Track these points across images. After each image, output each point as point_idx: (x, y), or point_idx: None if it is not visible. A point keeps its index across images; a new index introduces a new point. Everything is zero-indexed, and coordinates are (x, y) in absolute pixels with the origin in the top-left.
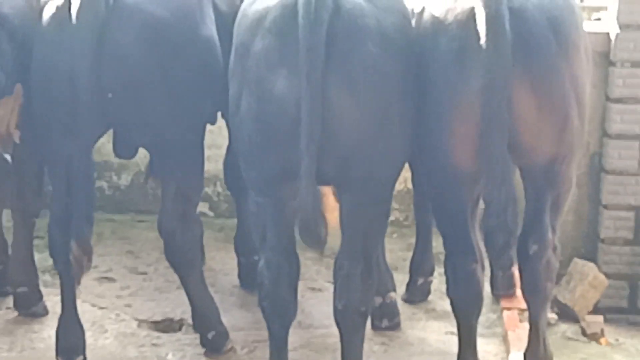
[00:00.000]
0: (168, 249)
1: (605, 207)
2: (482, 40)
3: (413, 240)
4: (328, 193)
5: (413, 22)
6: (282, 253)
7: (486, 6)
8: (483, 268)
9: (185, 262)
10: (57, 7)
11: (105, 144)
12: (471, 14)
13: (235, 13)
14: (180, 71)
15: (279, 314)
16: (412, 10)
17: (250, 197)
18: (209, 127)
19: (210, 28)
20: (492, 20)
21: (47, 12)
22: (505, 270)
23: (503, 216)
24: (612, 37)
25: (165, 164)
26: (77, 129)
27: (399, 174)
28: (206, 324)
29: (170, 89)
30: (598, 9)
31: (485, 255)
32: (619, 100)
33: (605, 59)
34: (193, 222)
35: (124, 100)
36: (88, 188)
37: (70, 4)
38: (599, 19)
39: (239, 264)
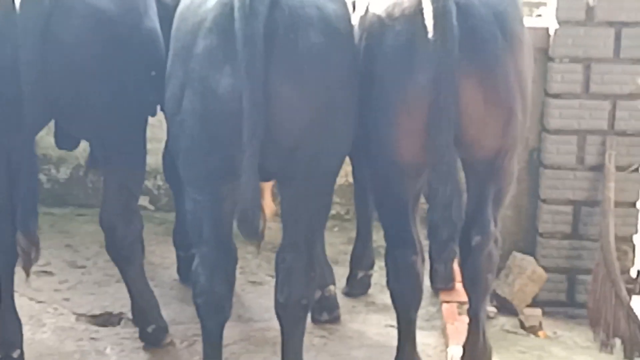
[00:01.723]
0: (109, 242)
1: (544, 201)
2: (430, 35)
3: (354, 234)
4: (265, 187)
5: (358, 15)
6: (219, 249)
7: (433, 1)
8: (423, 261)
9: (126, 255)
10: None
11: (43, 136)
12: (418, 9)
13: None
14: (123, 63)
15: (215, 311)
16: (355, 3)
17: (187, 194)
18: (150, 120)
19: (154, 20)
20: (440, 15)
21: None
22: (446, 263)
23: (448, 210)
24: (551, 32)
25: (108, 156)
26: (20, 121)
27: (341, 166)
28: (146, 318)
29: (113, 80)
30: (538, 5)
31: (425, 248)
32: (557, 96)
33: (544, 55)
34: (134, 216)
35: (67, 92)
36: (33, 180)
37: None
38: (539, 15)
39: (178, 258)
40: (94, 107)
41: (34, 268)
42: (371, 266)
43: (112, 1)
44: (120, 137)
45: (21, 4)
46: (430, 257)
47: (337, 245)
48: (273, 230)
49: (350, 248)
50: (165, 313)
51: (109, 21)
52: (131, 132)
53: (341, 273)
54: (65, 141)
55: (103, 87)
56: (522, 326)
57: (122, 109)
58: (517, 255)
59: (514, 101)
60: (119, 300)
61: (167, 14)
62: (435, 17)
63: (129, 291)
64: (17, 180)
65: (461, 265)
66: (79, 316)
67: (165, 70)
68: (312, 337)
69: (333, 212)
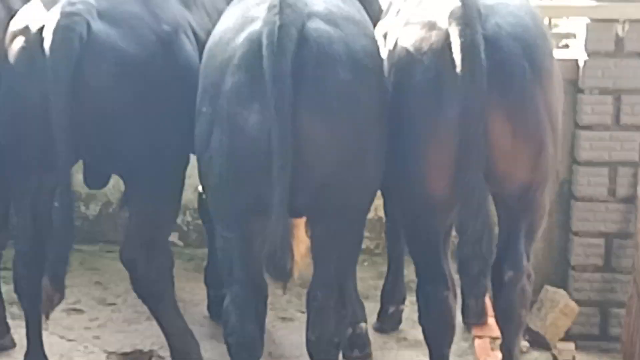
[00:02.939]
0: (132, 278)
1: (576, 234)
2: (458, 69)
3: (384, 268)
4: (299, 224)
5: (387, 50)
6: (250, 288)
7: (461, 35)
8: (455, 296)
9: (151, 293)
10: (28, 41)
11: (72, 174)
12: (446, 43)
13: None
14: (153, 105)
15: (246, 350)
16: (385, 37)
17: (218, 232)
18: None
19: (188, 60)
20: (468, 48)
21: (16, 45)
22: (478, 298)
23: (478, 245)
24: (581, 64)
25: (136, 193)
26: (47, 164)
27: (371, 202)
28: (185, 358)
29: (143, 122)
30: (567, 36)
31: (457, 282)
32: (587, 128)
33: (574, 87)
34: (159, 252)
35: (97, 134)
36: (68, 226)
37: (42, 38)
38: (567, 46)
39: (209, 296)
40: (124, 148)
41: (63, 306)
42: (402, 301)
43: (142, 44)
44: (149, 176)
45: (51, 49)
46: (462, 292)
47: (367, 279)
48: (303, 265)
49: (380, 282)
50: None
51: (139, 65)
52: (161, 171)
53: (372, 308)
54: (95, 180)
55: (133, 129)
56: None
57: (152, 149)
58: (549, 288)
59: (544, 134)
60: (149, 337)
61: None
62: (463, 51)
63: (163, 331)
64: (45, 224)
65: (494, 301)
66: (109, 354)
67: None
68: None
69: (363, 246)
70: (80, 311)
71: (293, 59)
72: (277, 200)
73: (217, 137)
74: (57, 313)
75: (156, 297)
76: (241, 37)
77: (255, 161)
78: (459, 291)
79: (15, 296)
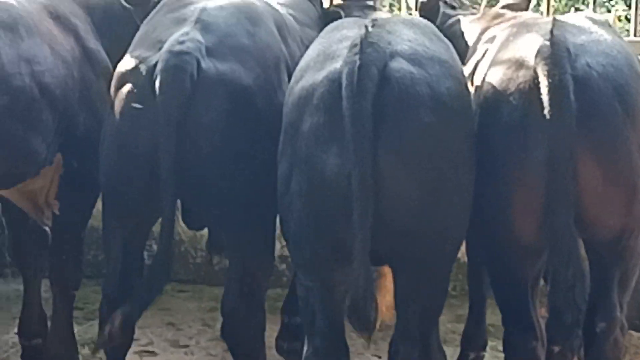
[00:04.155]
0: (227, 330)
1: None
2: (546, 110)
3: (462, 311)
4: (386, 273)
5: (473, 91)
6: (332, 340)
7: (549, 75)
8: (543, 346)
9: (246, 351)
10: (138, 83)
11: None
12: (534, 83)
13: None
14: (260, 143)
15: None
16: (472, 78)
17: (299, 280)
18: None
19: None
20: (556, 89)
21: (126, 87)
22: (573, 350)
23: (570, 293)
24: None
25: (236, 241)
26: (153, 206)
27: (458, 250)
28: None
29: (250, 160)
30: None
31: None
32: None
33: None
34: (259, 308)
35: (200, 175)
36: (165, 270)
37: (152, 79)
38: None
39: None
40: (227, 189)
41: (135, 348)
42: (484, 347)
43: (251, 76)
44: (253, 222)
45: (161, 90)
46: (549, 341)
47: (445, 323)
48: (389, 316)
49: (458, 326)
50: None
51: (248, 100)
52: (265, 216)
53: (450, 353)
54: (194, 220)
55: (238, 168)
56: None
57: (257, 192)
58: (634, 334)
59: (637, 178)
60: None
61: None
62: (551, 91)
63: None
64: (136, 270)
65: (585, 353)
66: None
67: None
68: None
69: None
70: (152, 353)
71: (374, 100)
72: (358, 248)
73: (296, 181)
74: (129, 355)
75: (248, 354)
76: (321, 76)
77: (335, 206)
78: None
79: (87, 337)
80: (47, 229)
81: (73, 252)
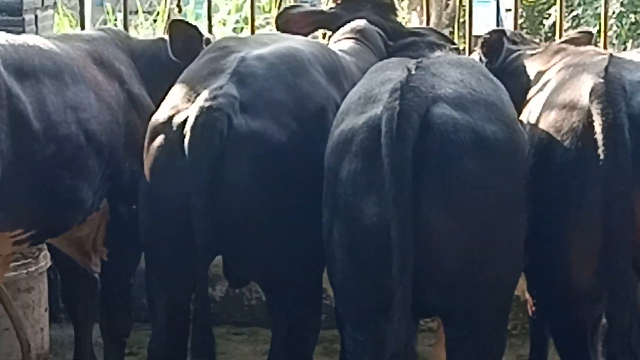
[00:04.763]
0: None
1: None
2: (600, 150)
3: (522, 351)
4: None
5: (526, 132)
6: None
7: (603, 114)
8: None
9: None
10: (168, 139)
11: None
12: (588, 123)
13: None
14: (296, 200)
15: None
16: (527, 120)
17: (347, 333)
18: None
19: None
20: (610, 128)
21: (157, 141)
22: None
23: (627, 338)
24: None
25: (279, 299)
26: (191, 263)
27: (511, 297)
28: None
29: (286, 219)
30: None
31: None
32: None
33: None
34: None
35: (237, 234)
36: (206, 327)
37: (183, 134)
38: None
39: None
40: (263, 248)
41: None
42: None
43: (286, 132)
44: (295, 279)
45: (190, 147)
46: None
47: None
48: None
49: None
50: None
51: (280, 157)
52: (308, 273)
53: None
54: (234, 280)
55: (272, 226)
56: None
57: (298, 248)
58: None
59: None
60: None
61: None
62: (605, 130)
63: None
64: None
65: None
66: None
67: None
68: None
69: None
70: None
71: (414, 147)
72: (398, 300)
73: (337, 230)
74: None
75: None
76: (360, 121)
77: (376, 257)
78: None
79: None
80: (96, 275)
81: (122, 299)
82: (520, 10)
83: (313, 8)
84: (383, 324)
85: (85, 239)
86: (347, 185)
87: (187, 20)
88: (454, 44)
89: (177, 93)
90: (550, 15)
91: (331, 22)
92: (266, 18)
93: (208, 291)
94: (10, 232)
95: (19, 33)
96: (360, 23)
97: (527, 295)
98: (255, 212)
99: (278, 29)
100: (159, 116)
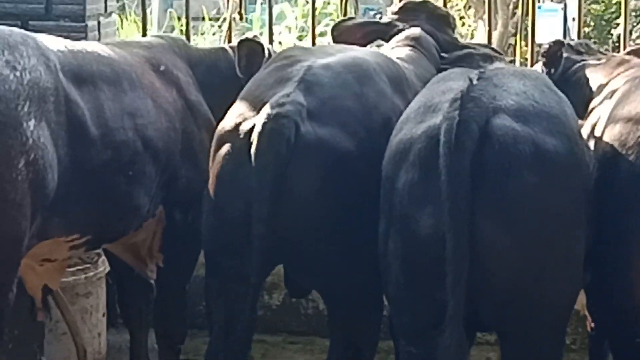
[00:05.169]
0: None
1: None
2: None
3: None
4: None
5: (592, 146)
6: None
7: None
8: None
9: None
10: (234, 146)
11: None
12: None
13: None
14: (364, 206)
15: None
16: (590, 133)
17: (401, 345)
18: None
19: None
20: None
21: (224, 149)
22: None
23: None
24: None
25: (339, 310)
26: (246, 273)
27: (569, 314)
28: None
29: (350, 228)
30: None
31: None
32: None
33: None
34: None
35: (300, 243)
36: (246, 340)
37: (249, 142)
38: None
39: None
40: (326, 258)
41: None
42: None
43: (354, 140)
44: (355, 291)
45: (256, 154)
46: None
47: None
48: None
49: None
50: None
51: (348, 166)
52: (368, 287)
53: None
54: (295, 290)
55: (337, 236)
56: None
57: (360, 261)
58: None
59: None
60: None
61: None
62: None
63: None
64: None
65: None
66: None
67: None
68: None
69: None
70: None
71: (472, 158)
72: (451, 313)
73: (393, 240)
74: None
75: None
76: (419, 130)
77: (430, 269)
78: None
79: None
80: (152, 282)
81: (177, 305)
82: (588, 19)
83: (367, 19)
84: (436, 337)
85: (141, 245)
86: (403, 195)
87: (252, 32)
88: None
89: (243, 101)
90: (618, 24)
91: (386, 32)
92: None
93: (259, 300)
94: (67, 237)
95: (81, 39)
96: (415, 31)
97: (587, 311)
98: (319, 221)
99: (334, 40)
100: (226, 124)
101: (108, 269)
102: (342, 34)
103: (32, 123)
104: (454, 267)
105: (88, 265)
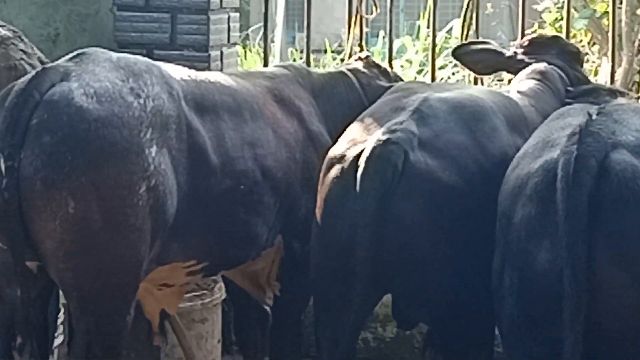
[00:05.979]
0: None
1: None
2: None
3: None
4: None
5: None
6: None
7: None
8: None
9: None
10: (342, 170)
11: None
12: None
13: None
14: (470, 244)
15: None
16: None
17: None
18: None
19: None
20: None
21: (333, 172)
22: None
23: None
24: None
25: (449, 344)
26: (350, 300)
27: None
28: None
29: (454, 260)
30: None
31: None
32: None
33: None
34: None
35: (404, 272)
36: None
37: (357, 167)
38: None
39: None
40: (432, 290)
41: None
42: None
43: (463, 176)
44: (462, 327)
45: (362, 179)
46: None
47: None
48: None
49: None
50: None
51: (456, 199)
52: (476, 322)
53: None
54: (402, 320)
55: (443, 267)
56: None
57: (469, 294)
58: None
59: None
60: None
61: None
62: None
63: None
64: None
65: None
66: None
67: None
68: None
69: None
70: None
71: (590, 193)
72: (568, 350)
73: (508, 275)
74: None
75: None
76: (537, 165)
77: (546, 305)
78: None
79: None
80: (268, 308)
81: (292, 334)
82: None
83: (493, 47)
84: None
85: (260, 273)
86: (520, 229)
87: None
88: None
89: (356, 128)
90: None
91: (511, 65)
92: (452, 61)
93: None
94: (184, 263)
95: (204, 69)
96: (541, 65)
97: None
98: (423, 250)
99: (455, 58)
100: (336, 149)
101: (224, 295)
102: (465, 55)
103: (154, 149)
104: (572, 303)
105: (205, 292)
